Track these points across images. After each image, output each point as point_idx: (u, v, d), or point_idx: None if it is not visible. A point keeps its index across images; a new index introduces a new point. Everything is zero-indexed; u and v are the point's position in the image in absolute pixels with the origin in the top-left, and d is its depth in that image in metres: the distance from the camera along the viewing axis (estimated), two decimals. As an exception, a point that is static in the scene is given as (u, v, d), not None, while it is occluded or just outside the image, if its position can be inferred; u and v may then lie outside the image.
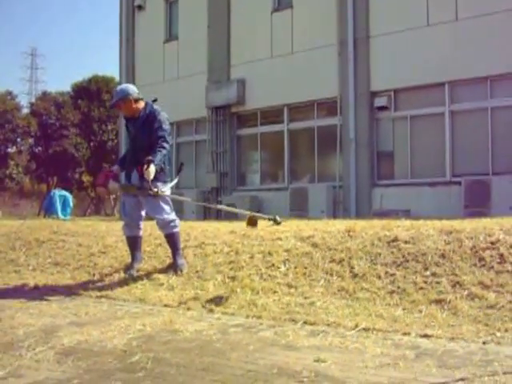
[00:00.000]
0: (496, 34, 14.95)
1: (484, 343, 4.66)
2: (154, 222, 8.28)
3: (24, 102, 79.78)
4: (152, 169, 7.32)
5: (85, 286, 7.74)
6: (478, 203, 14.45)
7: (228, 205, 19.05)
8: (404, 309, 5.73)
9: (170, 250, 7.99)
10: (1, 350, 4.89)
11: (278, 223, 7.78)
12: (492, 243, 6.59)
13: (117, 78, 31.89)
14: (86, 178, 51.05)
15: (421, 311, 5.61)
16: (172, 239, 7.89)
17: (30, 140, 51.50)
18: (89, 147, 49.43)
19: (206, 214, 19.98)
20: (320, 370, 4.14)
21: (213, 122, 21.13)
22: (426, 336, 4.88)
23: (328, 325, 5.36)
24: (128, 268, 8.09)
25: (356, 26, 17.57)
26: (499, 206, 13.64)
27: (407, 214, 13.73)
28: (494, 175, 14.97)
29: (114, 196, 50.01)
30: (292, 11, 19.26)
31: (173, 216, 7.86)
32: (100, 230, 10.64)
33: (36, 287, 8.00)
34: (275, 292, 6.60)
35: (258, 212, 18.23)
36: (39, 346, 4.96)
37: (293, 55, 19.04)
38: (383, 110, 17.18)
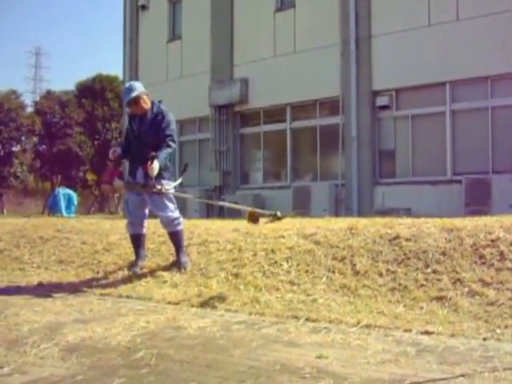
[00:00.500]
0: (496, 34, 14.94)
1: (484, 340, 4.67)
2: (158, 220, 8.29)
3: (28, 100, 79.82)
4: (156, 165, 7.36)
5: (89, 284, 7.75)
6: (478, 201, 14.43)
7: (231, 203, 19.11)
8: (405, 306, 5.74)
9: (173, 248, 8.00)
10: (6, 346, 4.89)
11: (279, 218, 7.75)
12: (492, 241, 6.59)
13: (120, 77, 31.93)
14: (90, 177, 51.08)
15: (422, 308, 5.62)
16: (176, 237, 7.90)
17: (35, 138, 51.50)
18: (93, 146, 49.46)
19: (209, 212, 19.99)
20: (322, 366, 4.15)
21: (216, 120, 21.13)
22: (426, 333, 4.89)
23: (330, 322, 5.37)
24: (132, 265, 8.10)
25: (358, 26, 17.57)
26: (499, 205, 13.63)
27: (408, 212, 13.72)
28: (495, 174, 14.97)
29: (118, 194, 50.05)
30: (295, 11, 19.26)
31: (177, 214, 7.87)
32: (104, 227, 10.64)
33: (40, 284, 8.00)
34: (278, 289, 6.60)
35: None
36: (44, 342, 4.96)
37: (295, 55, 19.04)
38: (385, 109, 17.18)
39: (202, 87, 21.09)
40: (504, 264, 6.16)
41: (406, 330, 4.99)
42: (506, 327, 4.91)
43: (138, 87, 7.89)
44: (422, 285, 6.13)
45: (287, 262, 7.22)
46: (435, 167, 16.29)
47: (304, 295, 6.34)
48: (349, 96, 17.64)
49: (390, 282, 6.33)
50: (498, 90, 15.37)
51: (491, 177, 14.86)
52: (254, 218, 7.57)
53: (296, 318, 5.56)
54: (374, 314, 5.54)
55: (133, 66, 24.31)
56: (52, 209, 26.77)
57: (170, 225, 7.85)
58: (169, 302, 6.54)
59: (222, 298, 6.45)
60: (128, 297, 6.96)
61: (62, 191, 27.34)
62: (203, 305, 6.32)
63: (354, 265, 6.82)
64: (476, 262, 6.31)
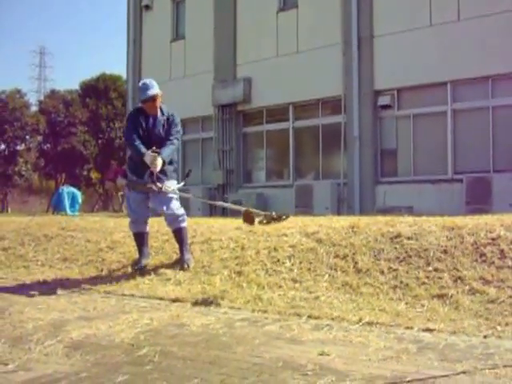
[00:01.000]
0: (497, 35, 14.94)
1: (485, 337, 4.66)
2: (161, 219, 8.30)
3: (33, 100, 79.88)
4: (159, 161, 7.47)
5: (93, 281, 7.75)
6: (479, 200, 14.44)
7: (234, 201, 19.07)
8: (407, 303, 5.74)
9: (177, 246, 8.00)
10: (10, 343, 4.90)
11: (274, 219, 7.70)
12: (493, 239, 6.59)
13: (124, 77, 31.93)
14: (94, 175, 51.12)
15: (423, 306, 5.62)
16: (180, 234, 7.90)
17: (39, 137, 51.56)
18: (97, 144, 49.52)
19: (212, 211, 19.99)
20: (324, 363, 4.15)
21: (219, 119, 21.14)
22: (428, 330, 4.89)
23: (332, 319, 5.37)
24: (136, 263, 8.10)
25: (360, 26, 17.58)
26: (500, 203, 13.63)
27: (410, 210, 13.71)
28: (495, 173, 14.98)
29: (122, 193, 50.04)
30: (297, 11, 19.26)
31: (181, 211, 7.89)
32: (108, 225, 10.65)
33: (45, 282, 8.01)
34: (280, 287, 6.61)
35: (263, 209, 18.30)
36: (48, 339, 4.97)
37: (298, 54, 19.05)
38: (387, 108, 17.19)
39: (205, 87, 21.11)
40: (504, 262, 6.16)
41: (407, 328, 4.99)
42: (507, 324, 4.91)
43: (156, 86, 7.92)
44: (424, 283, 6.13)
45: (290, 259, 7.22)
46: (436, 166, 16.30)
47: (306, 293, 6.34)
48: (351, 95, 17.65)
49: (392, 279, 6.33)
50: (498, 89, 15.38)
51: (492, 176, 14.87)
52: (249, 218, 7.55)
53: (298, 315, 5.56)
54: (376, 311, 5.54)
55: (136, 66, 24.34)
56: (56, 207, 26.77)
57: (174, 222, 7.87)
58: (172, 300, 6.54)
59: (225, 296, 6.45)
60: (132, 294, 6.96)
61: (67, 190, 27.33)
62: (206, 302, 6.32)
63: (356, 263, 6.82)
64: (477, 260, 6.31)
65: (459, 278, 6.06)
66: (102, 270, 8.43)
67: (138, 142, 7.64)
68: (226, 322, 5.46)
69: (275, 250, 7.55)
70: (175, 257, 8.06)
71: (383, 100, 17.12)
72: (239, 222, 9.28)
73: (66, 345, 4.83)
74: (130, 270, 8.05)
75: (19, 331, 5.34)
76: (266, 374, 3.96)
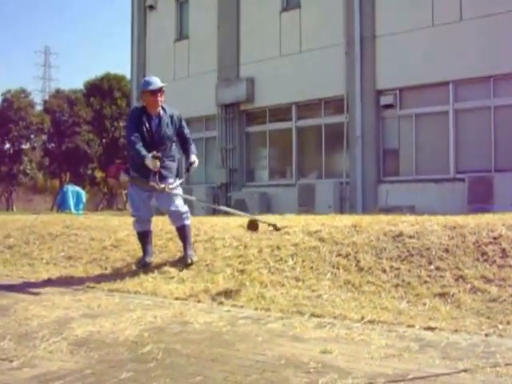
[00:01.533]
0: (499, 35, 14.93)
1: (486, 335, 4.66)
2: (165, 217, 8.31)
3: (37, 99, 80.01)
4: (196, 160, 8.01)
5: (97, 279, 7.75)
6: (481, 199, 14.44)
7: (237, 200, 19.18)
8: (408, 302, 5.74)
9: (181, 244, 8.01)
10: (15, 340, 4.91)
11: (277, 229, 7.74)
12: (494, 238, 6.59)
13: (128, 77, 31.95)
14: (98, 174, 51.17)
15: (425, 304, 5.62)
16: (184, 231, 7.91)
17: (44, 136, 51.67)
18: (101, 144, 49.58)
19: (215, 210, 19.99)
20: (326, 360, 4.15)
21: (222, 119, 21.16)
22: (429, 328, 4.89)
23: (334, 317, 5.37)
24: (139, 261, 8.11)
25: (362, 26, 17.58)
26: (502, 202, 13.63)
27: (412, 209, 13.70)
28: (497, 172, 14.98)
29: (126, 191, 49.98)
30: (300, 11, 19.26)
31: (185, 208, 7.92)
32: (112, 224, 10.66)
33: (49, 280, 8.02)
34: (283, 285, 6.61)
35: (266, 208, 18.32)
36: (53, 337, 4.98)
37: (301, 54, 19.05)
38: (389, 108, 17.19)
39: (208, 86, 21.13)
40: (506, 261, 6.15)
41: (409, 326, 4.99)
42: (508, 323, 4.91)
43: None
44: (425, 281, 6.12)
45: (292, 258, 7.22)
46: (438, 165, 16.29)
47: (309, 291, 6.34)
48: (353, 95, 17.65)
49: (394, 278, 6.33)
50: (500, 89, 15.37)
51: (493, 175, 14.87)
52: (253, 226, 7.56)
53: (301, 313, 5.57)
54: (378, 309, 5.54)
55: (141, 65, 24.36)
56: (61, 206, 26.78)
57: (179, 219, 7.88)
58: (176, 298, 6.55)
59: (228, 294, 6.45)
60: (136, 292, 6.97)
61: (71, 188, 27.35)
62: (209, 300, 6.33)
63: (358, 261, 6.82)
64: (478, 259, 6.31)
65: (461, 276, 6.06)
66: (106, 268, 8.44)
67: (139, 145, 7.57)
68: (229, 319, 5.47)
69: (278, 248, 7.55)
70: (179, 255, 8.06)
71: (385, 99, 17.12)
72: (242, 220, 9.29)
73: (70, 342, 4.84)
74: (133, 268, 8.05)
75: (24, 328, 5.35)
76: (268, 372, 3.97)
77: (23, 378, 4.04)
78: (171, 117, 7.94)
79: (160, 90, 7.83)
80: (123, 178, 8.12)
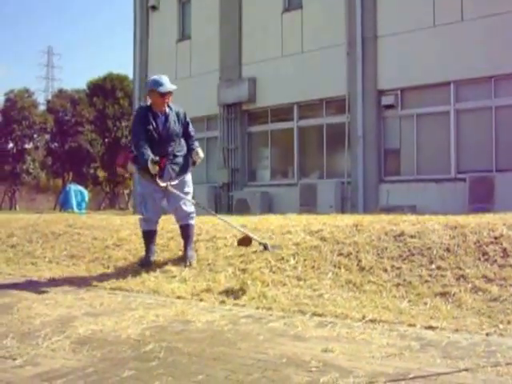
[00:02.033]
0: (500, 35, 14.93)
1: (487, 335, 4.66)
2: (166, 217, 8.32)
3: (41, 99, 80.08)
4: (201, 154, 8.05)
5: (99, 278, 7.75)
6: (482, 199, 14.44)
7: (239, 200, 19.18)
8: (409, 301, 5.73)
9: (182, 243, 8.01)
10: (18, 339, 4.91)
11: (267, 249, 7.51)
12: (495, 238, 6.58)
13: (131, 77, 31.96)
14: (100, 174, 51.21)
15: (426, 303, 5.61)
16: (187, 230, 7.93)
17: (47, 136, 51.75)
18: (103, 143, 49.63)
19: (217, 209, 20.02)
20: (328, 359, 4.15)
21: (224, 119, 21.16)
22: (430, 328, 4.88)
23: (336, 316, 5.36)
24: (142, 260, 8.11)
25: (364, 27, 17.58)
26: (503, 202, 13.61)
27: (413, 209, 13.70)
28: (498, 172, 14.98)
29: (128, 191, 50.04)
30: (302, 12, 19.27)
31: (192, 208, 7.97)
32: (114, 223, 10.66)
33: (52, 279, 8.02)
34: (285, 284, 6.60)
35: (268, 208, 18.32)
36: (55, 335, 4.98)
37: (302, 54, 19.04)
38: (390, 108, 17.19)
39: (210, 86, 21.13)
40: (507, 261, 6.15)
41: (410, 325, 4.98)
42: (509, 323, 4.90)
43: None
44: (426, 281, 6.12)
45: (294, 257, 7.21)
46: (439, 165, 16.29)
47: (310, 290, 6.34)
48: (355, 95, 17.65)
49: (395, 277, 6.33)
50: (501, 89, 15.36)
51: (494, 175, 14.87)
52: (245, 242, 7.51)
53: (302, 312, 5.56)
54: (379, 309, 5.54)
55: (143, 66, 24.37)
56: (63, 205, 26.84)
57: (186, 217, 7.90)
58: (178, 297, 6.55)
59: (229, 293, 6.45)
60: (138, 291, 6.97)
61: (74, 188, 27.39)
62: (211, 299, 6.33)
63: (360, 261, 6.81)
64: (479, 259, 6.30)
65: (462, 276, 6.05)
66: (108, 267, 8.44)
67: (144, 147, 7.53)
68: (231, 318, 5.47)
69: (279, 247, 7.55)
70: (180, 254, 8.06)
71: (387, 100, 17.12)
72: (244, 220, 9.30)
73: (73, 340, 4.84)
74: (136, 266, 8.05)
75: (27, 327, 5.35)
76: (270, 371, 3.96)
77: (26, 375, 4.04)
78: (177, 114, 7.95)
79: (170, 92, 7.83)
80: (131, 167, 8.13)
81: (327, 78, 18.24)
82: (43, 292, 7.10)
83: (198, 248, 8.11)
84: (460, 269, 6.18)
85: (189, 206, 7.92)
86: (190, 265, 7.65)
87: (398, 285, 6.17)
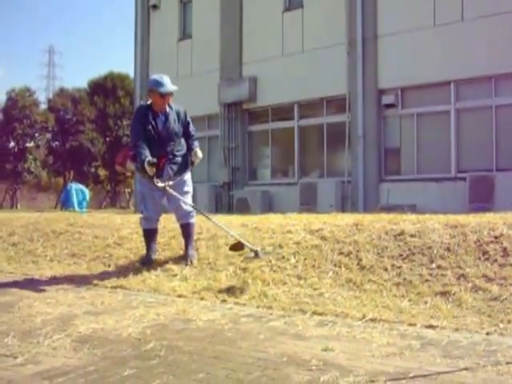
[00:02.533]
0: (501, 35, 14.92)
1: (487, 334, 4.65)
2: (167, 215, 8.32)
3: (42, 98, 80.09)
4: (200, 154, 8.00)
5: (100, 277, 7.75)
6: (482, 198, 14.44)
7: (239, 199, 19.19)
8: (410, 300, 5.73)
9: (183, 241, 8.01)
10: (19, 337, 4.91)
11: (257, 256, 7.43)
12: (496, 237, 6.58)
13: (131, 76, 31.97)
14: (101, 172, 51.22)
15: (426, 303, 5.61)
16: (188, 229, 7.93)
17: (48, 135, 51.71)
18: (104, 142, 49.62)
19: (218, 208, 20.03)
20: (328, 358, 4.14)
21: (225, 118, 21.17)
22: (431, 327, 4.88)
23: (336, 315, 5.36)
24: (143, 259, 8.11)
25: (364, 26, 17.57)
26: (503, 202, 13.60)
27: (413, 208, 13.71)
28: (498, 171, 14.97)
29: (129, 190, 50.02)
30: (302, 11, 19.27)
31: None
32: (115, 222, 10.66)
33: (53, 277, 8.01)
34: (285, 283, 6.60)
35: (268, 207, 18.33)
36: (56, 333, 4.97)
37: (303, 54, 19.05)
38: (390, 107, 17.19)
39: (211, 85, 21.14)
40: (507, 260, 6.15)
41: (410, 324, 4.98)
42: (509, 322, 4.90)
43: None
44: (427, 280, 6.12)
45: (294, 256, 7.21)
46: (440, 165, 16.28)
47: (311, 289, 6.34)
48: (355, 94, 17.65)
49: (395, 276, 6.33)
50: (501, 89, 15.36)
51: (495, 174, 14.86)
52: (238, 247, 7.47)
53: (303, 311, 5.56)
54: (379, 308, 5.54)
55: (144, 65, 24.38)
56: (65, 204, 26.84)
57: (186, 216, 7.90)
58: (178, 295, 6.55)
59: (230, 292, 6.45)
60: (139, 290, 6.97)
61: (75, 187, 27.40)
62: (212, 298, 6.33)
63: (360, 260, 6.81)
64: (480, 258, 6.30)
65: (462, 275, 6.05)
66: (109, 266, 8.44)
67: (142, 147, 7.52)
68: (232, 317, 5.46)
69: (280, 246, 7.54)
70: (182, 253, 8.06)
71: (387, 99, 17.11)
72: (244, 218, 9.30)
73: (73, 339, 4.83)
74: (137, 265, 8.05)
75: (28, 325, 5.35)
76: (270, 369, 3.96)
77: (27, 374, 4.03)
78: (178, 113, 7.93)
79: (171, 93, 7.82)
80: (129, 165, 8.13)
81: (328, 77, 18.24)
82: (44, 290, 7.10)
83: (198, 247, 8.11)
84: (460, 268, 6.18)
85: (189, 205, 7.91)
86: (191, 263, 7.65)
87: (398, 284, 6.17)
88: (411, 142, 16.87)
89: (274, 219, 9.23)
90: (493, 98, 15.39)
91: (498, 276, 5.90)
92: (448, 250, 6.56)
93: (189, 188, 8.02)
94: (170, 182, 7.71)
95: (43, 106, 53.87)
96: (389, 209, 12.89)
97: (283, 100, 19.71)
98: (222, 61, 21.45)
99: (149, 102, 7.93)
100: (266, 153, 20.88)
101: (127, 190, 53.44)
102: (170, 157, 7.83)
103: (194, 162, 8.00)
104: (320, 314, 5.43)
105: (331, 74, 18.14)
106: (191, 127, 8.11)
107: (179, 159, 7.92)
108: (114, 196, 53.60)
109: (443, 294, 5.77)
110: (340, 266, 6.79)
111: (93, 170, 50.92)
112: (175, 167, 7.86)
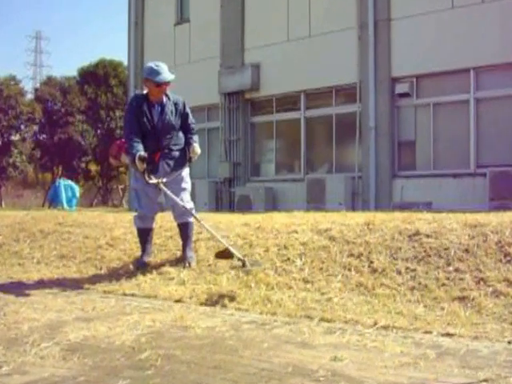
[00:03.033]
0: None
1: (509, 343, 4.66)
2: (164, 214, 8.32)
3: (28, 87, 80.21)
4: (198, 149, 8.02)
5: (92, 280, 7.77)
6: (504, 196, 14.42)
7: (241, 196, 19.20)
8: (425, 306, 5.74)
9: (181, 242, 8.01)
10: (5, 345, 4.93)
11: (244, 267, 7.34)
12: (518, 238, 6.59)
13: (125, 63, 31.98)
14: (92, 167, 51.25)
15: (443, 309, 5.62)
16: (186, 228, 7.93)
17: (35, 127, 51.67)
18: (96, 135, 49.58)
19: (219, 206, 20.05)
20: (337, 369, 4.15)
21: (226, 108, 21.17)
22: (448, 335, 4.89)
23: (345, 322, 5.38)
24: (137, 261, 8.12)
25: (377, 8, 17.54)
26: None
27: (429, 206, 13.74)
28: (521, 166, 14.96)
29: (122, 186, 50.05)
30: (309, -8, 19.25)
31: (191, 204, 7.94)
32: (107, 221, 10.67)
33: (41, 281, 8.04)
34: (290, 287, 6.62)
35: (272, 205, 18.33)
36: (44, 341, 4.99)
37: (310, 39, 19.03)
38: (405, 96, 17.16)
39: (211, 73, 21.13)
40: (530, 262, 6.16)
41: (425, 332, 4.99)
42: (532, 329, 4.91)
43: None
44: (444, 284, 6.13)
45: (301, 258, 7.23)
46: (458, 159, 16.28)
47: (318, 294, 6.35)
48: (366, 83, 17.63)
49: (410, 280, 6.34)
50: (525, 76, 15.34)
51: (517, 169, 14.85)
52: (225, 255, 7.44)
53: (309, 317, 5.57)
54: (392, 314, 5.55)
55: (138, 51, 24.38)
56: (53, 201, 26.89)
57: (184, 215, 7.89)
58: (176, 300, 6.57)
59: (231, 297, 6.46)
60: (133, 294, 6.99)
61: (64, 183, 27.45)
62: (212, 303, 6.34)
63: (371, 262, 6.83)
64: (501, 261, 6.31)
65: (482, 279, 6.06)
66: (101, 269, 8.46)
67: (134, 140, 7.54)
68: (233, 324, 5.48)
69: (285, 247, 7.56)
70: (179, 254, 8.07)
71: (401, 88, 17.10)
72: (247, 218, 9.31)
73: (63, 347, 4.85)
74: (131, 268, 8.06)
75: (14, 332, 5.37)
76: (274, 380, 3.97)
77: (13, 385, 4.06)
78: (175, 104, 7.93)
79: (168, 82, 7.82)
80: (124, 158, 8.14)
81: (337, 64, 18.22)
82: (31, 295, 7.13)
83: (197, 248, 8.13)
84: (480, 271, 6.19)
85: (187, 203, 7.89)
86: (190, 266, 7.66)
87: (412, 288, 6.18)
88: (427, 134, 16.86)
89: (278, 218, 9.24)
90: (515, 87, 15.39)
91: (520, 280, 5.91)
92: (467, 251, 6.56)
93: (186, 185, 8.02)
94: (164, 179, 7.70)
95: (30, 96, 53.90)
96: (402, 207, 12.92)
97: (288, 89, 19.71)
98: (223, 46, 21.44)
99: (145, 92, 7.95)
100: (269, 146, 20.88)
101: (120, 187, 53.48)
102: (166, 151, 7.83)
103: (192, 159, 8.00)
104: (328, 321, 5.45)
105: (340, 60, 18.13)
106: (190, 119, 8.09)
107: (176, 154, 7.92)
108: (105, 193, 53.62)
109: (461, 299, 5.78)
110: (350, 269, 6.80)
111: (83, 164, 50.90)
112: (172, 162, 7.86)
